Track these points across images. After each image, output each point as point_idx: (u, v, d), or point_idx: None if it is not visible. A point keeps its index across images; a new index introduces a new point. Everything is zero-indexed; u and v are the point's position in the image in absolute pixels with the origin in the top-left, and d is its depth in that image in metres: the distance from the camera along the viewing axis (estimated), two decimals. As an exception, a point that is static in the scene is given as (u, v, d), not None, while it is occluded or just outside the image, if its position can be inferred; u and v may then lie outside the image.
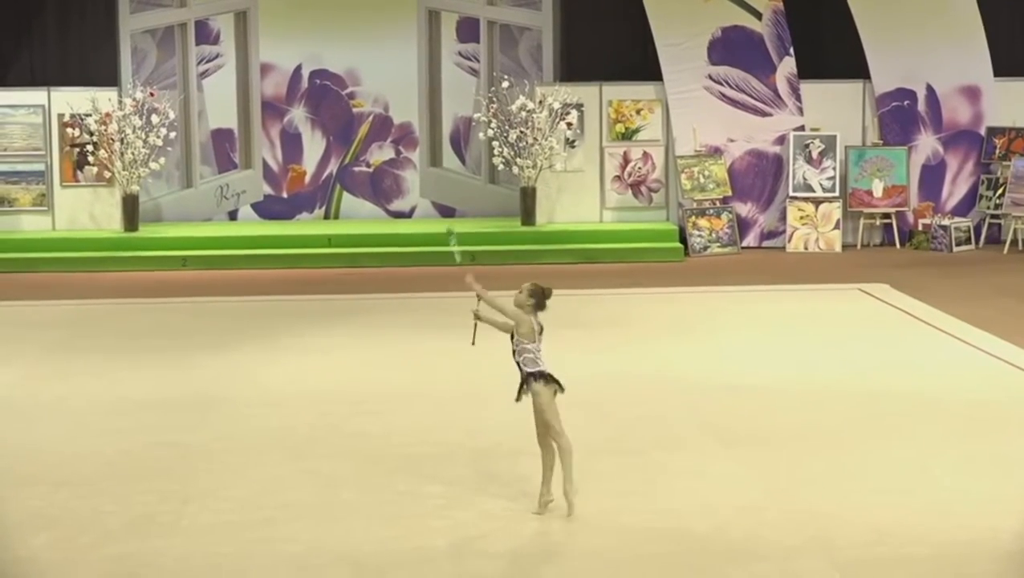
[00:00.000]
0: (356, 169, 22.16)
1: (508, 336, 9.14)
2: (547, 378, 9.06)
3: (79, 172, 20.88)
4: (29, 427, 11.66)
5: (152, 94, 20.68)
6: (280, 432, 11.37)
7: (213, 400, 12.39)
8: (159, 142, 20.50)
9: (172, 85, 21.53)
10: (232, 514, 9.35)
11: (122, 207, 20.64)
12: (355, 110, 22.10)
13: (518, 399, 9.15)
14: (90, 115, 20.47)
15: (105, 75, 21.24)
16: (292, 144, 22.06)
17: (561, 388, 9.10)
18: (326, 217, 22.09)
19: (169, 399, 12.41)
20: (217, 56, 21.89)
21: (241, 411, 12.02)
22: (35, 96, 20.91)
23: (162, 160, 20.75)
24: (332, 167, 22.11)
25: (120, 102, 20.56)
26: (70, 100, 20.65)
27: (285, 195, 22.10)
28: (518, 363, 9.11)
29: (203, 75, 21.86)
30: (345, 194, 22.12)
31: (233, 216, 22.02)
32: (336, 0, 21.92)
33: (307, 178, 22.09)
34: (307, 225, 21.61)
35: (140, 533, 9.01)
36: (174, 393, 12.63)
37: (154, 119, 20.44)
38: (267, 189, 22.07)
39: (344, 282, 18.56)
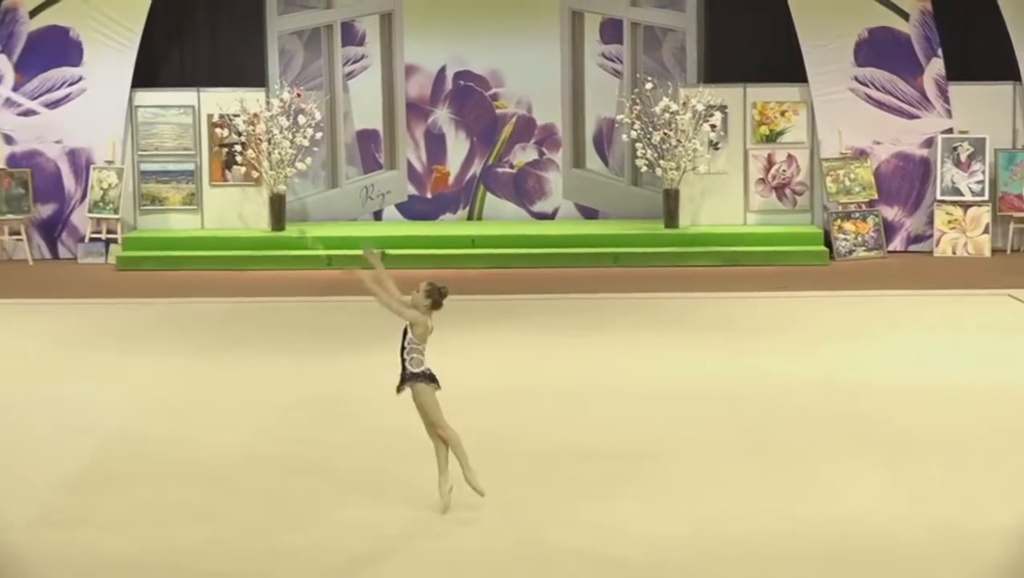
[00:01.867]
0: (499, 170, 22.24)
1: (401, 332, 9.30)
2: (429, 378, 9.28)
3: (227, 172, 21.21)
4: (178, 423, 11.86)
5: (299, 95, 20.92)
6: (418, 431, 11.42)
7: (354, 399, 12.51)
8: (305, 142, 20.74)
9: (318, 86, 21.77)
10: (370, 510, 9.44)
11: (269, 206, 20.91)
12: (498, 111, 22.18)
13: (399, 391, 9.36)
14: (238, 115, 20.77)
15: (253, 76, 21.55)
16: (436, 145, 22.20)
17: (438, 386, 9.32)
18: (469, 218, 22.19)
19: (313, 397, 12.56)
20: (362, 57, 22.09)
21: (381, 410, 12.09)
22: (185, 97, 21.28)
23: (308, 160, 20.99)
24: (476, 168, 22.20)
25: (268, 103, 20.82)
26: (219, 101, 21.00)
27: (429, 195, 22.23)
28: (404, 361, 9.28)
29: (349, 76, 22.07)
30: (488, 195, 22.21)
31: (378, 216, 22.21)
32: (480, 1, 22.04)
33: (451, 179, 22.21)
34: (451, 226, 21.73)
35: (282, 529, 9.13)
36: (318, 392, 12.78)
37: (301, 120, 20.69)
38: (411, 189, 22.23)
39: (487, 283, 18.63)
